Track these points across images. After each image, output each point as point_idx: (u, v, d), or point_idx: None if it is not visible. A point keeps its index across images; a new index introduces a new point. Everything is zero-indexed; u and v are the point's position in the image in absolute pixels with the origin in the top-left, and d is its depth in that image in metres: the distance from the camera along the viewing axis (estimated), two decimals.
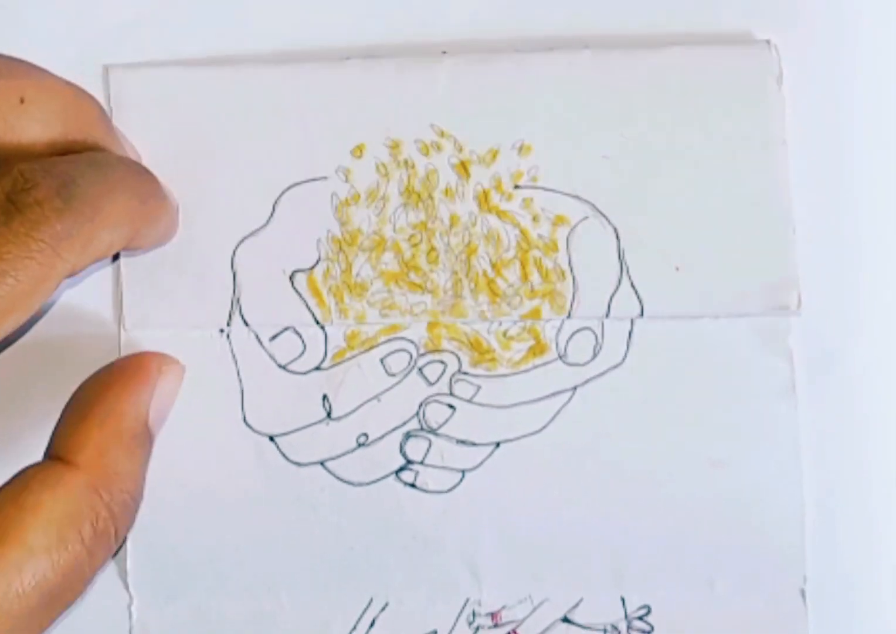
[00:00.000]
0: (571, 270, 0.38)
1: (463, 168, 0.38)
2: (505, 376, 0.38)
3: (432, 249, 0.38)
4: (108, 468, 0.33)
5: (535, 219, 0.38)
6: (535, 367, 0.38)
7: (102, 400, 0.35)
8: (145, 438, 0.35)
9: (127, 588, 0.39)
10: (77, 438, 0.34)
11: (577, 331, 0.38)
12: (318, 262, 0.38)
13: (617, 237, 0.38)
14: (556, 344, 0.38)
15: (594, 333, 0.38)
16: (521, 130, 0.38)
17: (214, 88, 0.38)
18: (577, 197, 0.38)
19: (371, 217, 0.38)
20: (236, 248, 0.38)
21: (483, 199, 0.38)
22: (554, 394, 0.38)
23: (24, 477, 0.33)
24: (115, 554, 0.39)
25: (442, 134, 0.38)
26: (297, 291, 0.38)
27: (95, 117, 0.34)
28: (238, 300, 0.38)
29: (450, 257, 0.38)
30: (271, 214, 0.38)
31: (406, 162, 0.38)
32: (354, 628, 0.39)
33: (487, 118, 0.38)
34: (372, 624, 0.39)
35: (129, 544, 0.39)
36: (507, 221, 0.38)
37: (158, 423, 0.36)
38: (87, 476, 0.33)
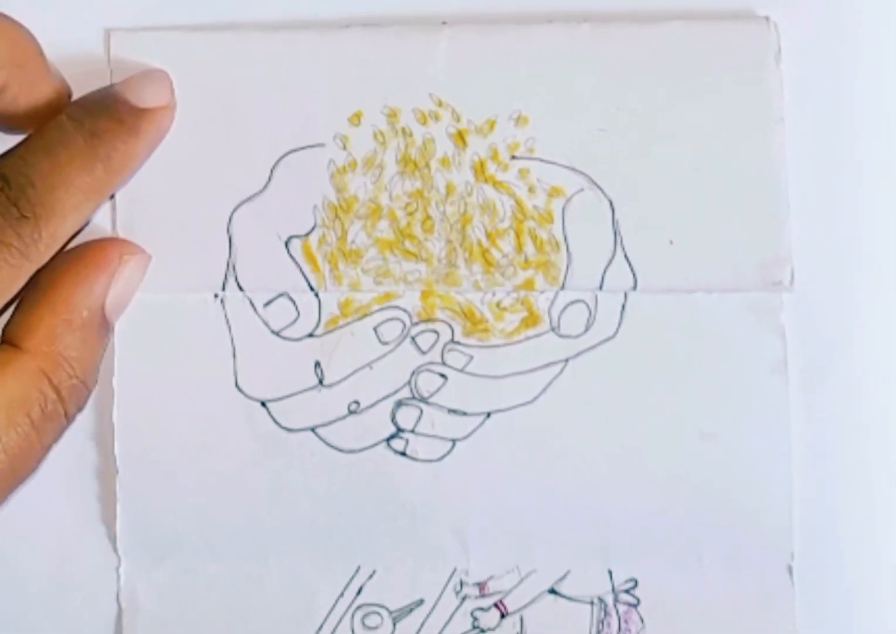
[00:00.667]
0: (566, 241, 0.38)
1: (460, 138, 0.38)
2: (497, 346, 0.38)
3: (427, 217, 0.38)
4: (58, 353, 0.34)
5: (530, 190, 0.38)
6: (528, 338, 0.38)
7: (56, 286, 0.35)
8: (100, 325, 0.36)
9: (115, 550, 0.39)
10: (28, 323, 0.35)
11: (571, 303, 0.38)
12: (313, 228, 0.38)
13: (612, 210, 0.38)
14: (549, 316, 0.38)
15: (587, 305, 0.38)
16: (518, 102, 0.38)
17: (214, 54, 0.38)
18: (572, 169, 0.38)
19: (367, 185, 0.38)
20: (233, 213, 0.38)
21: (479, 169, 0.38)
22: (546, 366, 0.38)
23: None
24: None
25: (440, 103, 0.38)
26: (292, 256, 0.38)
27: (34, 52, 0.35)
28: (233, 265, 0.38)
29: (445, 226, 0.38)
30: (268, 180, 0.38)
31: (403, 131, 0.38)
32: (342, 595, 0.39)
33: (485, 89, 0.38)
34: (359, 592, 0.39)
35: (118, 506, 0.39)
36: (503, 191, 0.38)
37: (117, 312, 0.37)
38: (35, 361, 0.34)
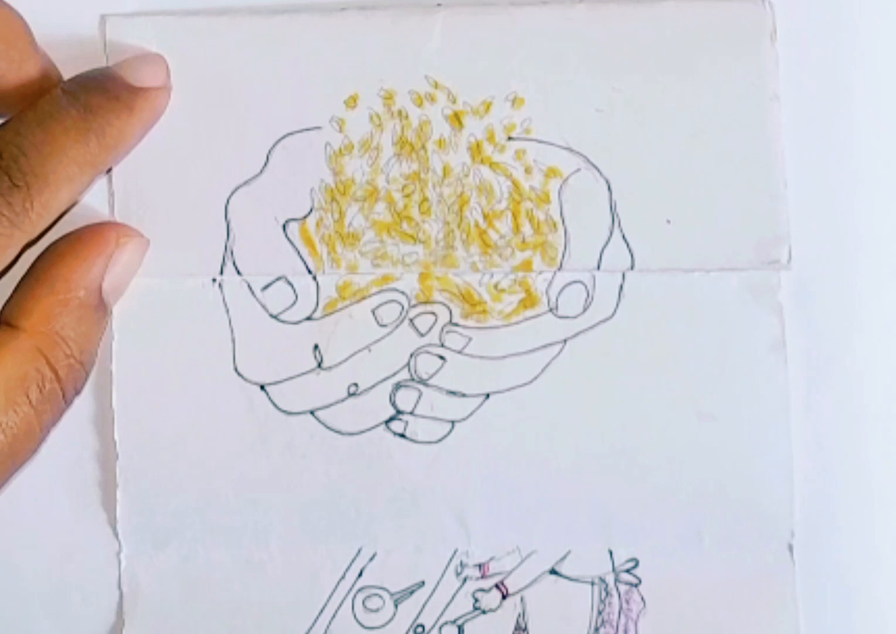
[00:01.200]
0: (563, 221, 0.38)
1: (456, 119, 0.38)
2: (496, 327, 0.38)
3: (425, 199, 0.38)
4: (55, 333, 0.34)
5: (527, 171, 0.38)
6: (526, 319, 0.38)
7: (54, 267, 0.36)
8: (98, 307, 0.36)
9: (116, 535, 0.39)
10: (25, 304, 0.35)
11: (569, 284, 0.38)
12: (310, 211, 0.38)
13: (609, 190, 0.38)
14: (548, 297, 0.38)
15: (585, 286, 0.38)
16: (514, 83, 0.38)
17: (210, 39, 0.38)
18: (569, 149, 0.38)
19: (364, 167, 0.38)
20: (230, 196, 0.38)
21: (476, 150, 0.38)
22: (544, 346, 0.38)
23: None
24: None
25: (436, 85, 0.38)
26: (289, 240, 0.38)
27: (21, 30, 0.35)
28: (231, 249, 0.38)
29: (442, 207, 0.38)
30: (265, 164, 0.38)
31: (400, 113, 0.38)
32: (343, 577, 0.39)
33: (481, 70, 0.38)
34: (360, 574, 0.39)
35: (118, 492, 0.39)
36: (500, 172, 0.38)
37: (114, 294, 0.37)
38: (32, 340, 0.34)
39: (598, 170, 0.38)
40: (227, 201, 0.38)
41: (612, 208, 0.38)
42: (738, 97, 0.38)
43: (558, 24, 0.38)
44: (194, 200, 0.38)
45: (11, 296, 0.35)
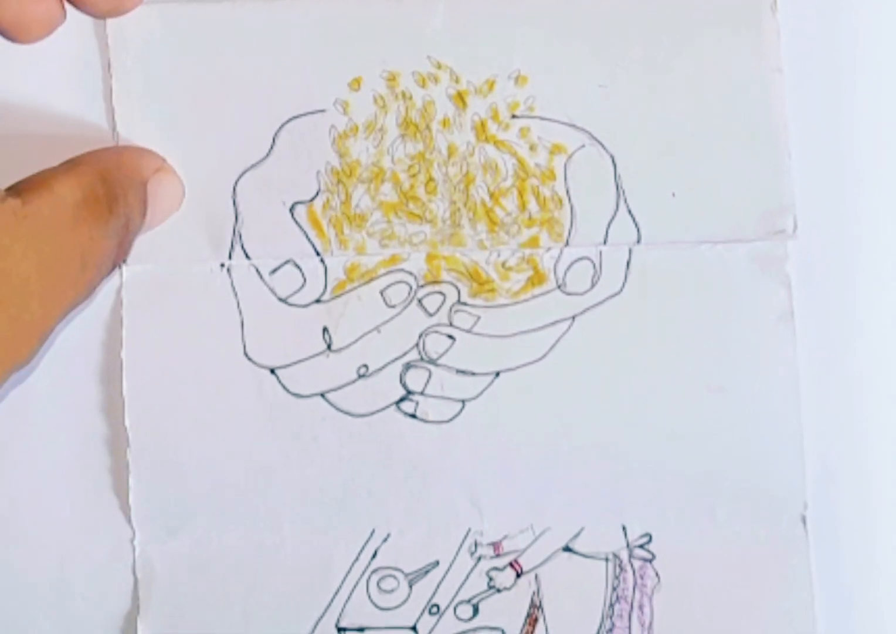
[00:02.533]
0: (569, 197, 0.38)
1: (460, 99, 0.38)
2: (504, 306, 0.38)
3: (430, 179, 0.38)
4: (110, 176, 0.35)
5: (532, 148, 0.38)
6: (534, 297, 0.38)
7: (110, 147, 0.38)
8: (142, 192, 0.36)
9: (129, 522, 0.39)
10: (86, 155, 0.36)
11: (576, 261, 0.38)
12: (317, 194, 0.38)
13: (614, 164, 0.38)
14: (555, 274, 0.38)
15: (592, 262, 0.38)
16: (517, 61, 0.38)
17: (211, 25, 0.38)
18: (573, 125, 0.38)
19: (369, 149, 0.38)
20: (237, 180, 0.38)
21: (480, 128, 0.38)
22: (553, 323, 0.38)
23: (43, 170, 0.34)
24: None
25: (439, 66, 0.38)
26: (297, 222, 0.38)
27: None
28: (239, 233, 0.38)
29: (448, 187, 0.38)
30: (271, 147, 0.38)
31: (403, 94, 0.38)
32: (357, 559, 0.39)
33: (484, 49, 0.38)
34: (374, 556, 0.39)
35: (130, 478, 0.39)
36: (505, 150, 0.38)
37: (157, 204, 0.37)
38: (94, 169, 0.35)
39: (603, 145, 0.38)
40: (235, 185, 0.38)
41: (618, 183, 0.38)
42: (740, 70, 0.38)
43: (560, 1, 0.38)
44: (202, 185, 0.38)
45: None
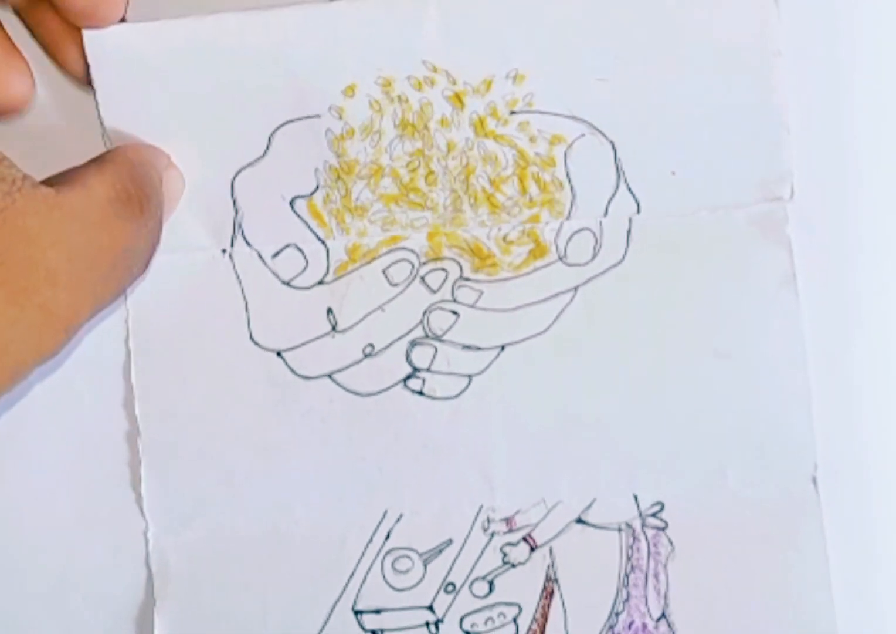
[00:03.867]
0: (569, 180, 0.38)
1: (457, 99, 0.38)
2: (506, 280, 0.39)
3: (430, 172, 0.38)
4: (137, 175, 0.35)
5: (531, 139, 0.38)
6: (536, 269, 0.39)
7: (128, 146, 0.37)
8: (161, 190, 0.36)
9: (142, 513, 0.39)
10: (111, 153, 0.36)
11: (576, 232, 0.39)
12: (317, 189, 0.38)
13: (614, 150, 0.38)
14: (556, 246, 0.39)
15: (593, 233, 0.39)
16: (514, 59, 0.38)
17: (200, 39, 0.37)
18: (573, 117, 0.38)
19: (367, 149, 0.38)
20: (235, 177, 0.38)
21: (479, 125, 0.38)
22: (556, 295, 0.39)
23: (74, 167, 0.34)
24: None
25: (434, 69, 0.38)
26: (297, 214, 0.38)
27: None
28: (240, 224, 0.38)
29: (448, 178, 0.38)
30: (267, 148, 0.38)
31: (399, 98, 0.38)
32: (370, 541, 0.39)
33: (479, 50, 0.38)
34: (387, 537, 0.39)
35: (142, 468, 0.39)
36: (504, 143, 0.38)
37: (168, 200, 0.37)
38: (124, 168, 0.35)
39: (603, 134, 0.38)
40: (233, 181, 0.38)
41: (618, 165, 0.38)
42: (740, 53, 0.37)
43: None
44: (200, 180, 0.38)
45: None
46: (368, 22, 0.37)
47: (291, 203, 0.38)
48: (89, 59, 0.37)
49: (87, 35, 0.37)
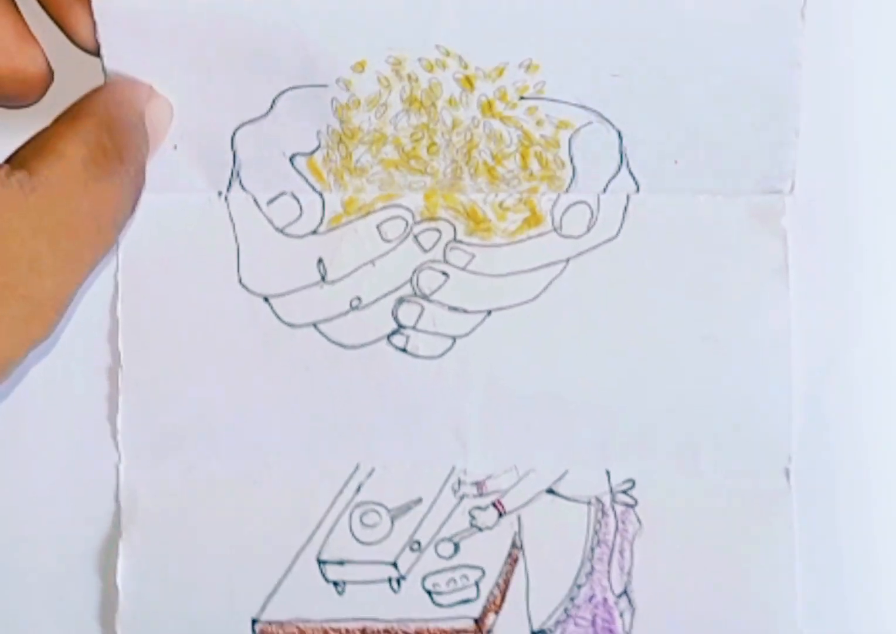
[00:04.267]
0: (572, 161, 0.38)
1: (467, 82, 0.37)
2: (499, 245, 0.39)
3: (433, 144, 0.38)
4: (114, 121, 0.34)
5: (538, 123, 0.38)
6: (530, 238, 0.39)
7: (104, 86, 0.36)
8: (143, 127, 0.35)
9: (116, 446, 0.39)
10: (84, 101, 0.35)
11: (573, 204, 0.39)
12: (317, 148, 0.38)
13: (620, 138, 0.38)
14: (552, 216, 0.39)
15: (589, 206, 0.39)
16: (528, 49, 0.37)
17: (211, 3, 0.37)
18: (583, 106, 0.38)
19: (372, 119, 0.38)
20: (236, 131, 0.38)
21: (487, 106, 0.38)
22: (547, 265, 0.39)
23: (44, 128, 0.33)
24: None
25: (447, 53, 0.37)
26: (296, 169, 0.38)
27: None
28: (237, 172, 0.38)
29: (451, 150, 0.38)
30: (270, 108, 0.38)
31: (409, 76, 0.37)
32: (340, 493, 0.39)
33: (495, 38, 0.37)
34: (358, 490, 0.39)
35: (120, 402, 0.39)
36: (511, 124, 0.38)
37: (153, 133, 0.36)
38: (97, 119, 0.34)
39: (611, 123, 0.37)
40: (233, 135, 0.38)
41: (623, 153, 0.38)
42: (761, 60, 0.37)
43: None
44: (199, 132, 0.38)
45: (72, 103, 0.35)
46: (382, 4, 0.36)
47: (291, 159, 0.38)
48: (97, 19, 0.36)
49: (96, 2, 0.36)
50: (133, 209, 0.35)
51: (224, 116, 0.38)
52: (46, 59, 0.37)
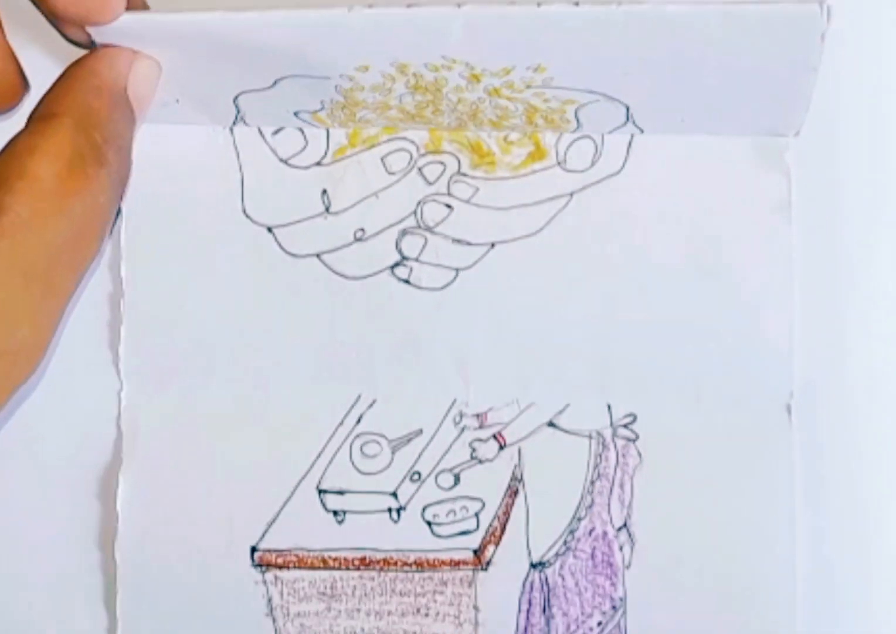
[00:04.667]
0: (577, 118, 0.38)
1: (474, 78, 0.36)
2: (503, 179, 0.39)
3: (437, 110, 0.38)
4: (91, 114, 0.32)
5: (545, 101, 0.37)
6: (534, 172, 0.39)
7: (81, 65, 0.34)
8: (125, 103, 0.34)
9: (118, 374, 0.39)
10: (58, 93, 0.33)
11: (578, 139, 0.39)
12: (321, 108, 0.38)
13: (627, 110, 0.37)
14: (556, 151, 0.39)
15: (594, 141, 0.39)
16: (536, 58, 0.35)
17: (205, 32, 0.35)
18: (591, 92, 0.36)
19: (376, 97, 0.37)
20: (238, 95, 0.37)
21: (494, 91, 0.36)
22: (551, 199, 0.39)
23: (14, 138, 0.32)
24: None
25: (454, 61, 0.35)
26: (301, 119, 0.38)
27: None
28: (242, 118, 0.38)
29: (456, 113, 0.38)
30: (273, 84, 0.37)
31: (414, 74, 0.36)
32: (341, 423, 0.39)
33: (504, 53, 0.35)
34: (358, 420, 0.39)
35: (122, 328, 0.39)
36: (517, 102, 0.37)
37: (138, 101, 0.35)
38: (70, 119, 0.32)
39: (619, 101, 0.37)
40: (236, 99, 0.37)
41: (629, 116, 0.37)
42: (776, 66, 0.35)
43: (591, 26, 0.33)
44: (203, 90, 0.37)
45: (46, 93, 0.34)
46: (387, 33, 0.34)
47: (296, 113, 0.38)
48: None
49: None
50: (119, 203, 0.34)
51: (226, 83, 0.37)
52: (20, 68, 0.35)
